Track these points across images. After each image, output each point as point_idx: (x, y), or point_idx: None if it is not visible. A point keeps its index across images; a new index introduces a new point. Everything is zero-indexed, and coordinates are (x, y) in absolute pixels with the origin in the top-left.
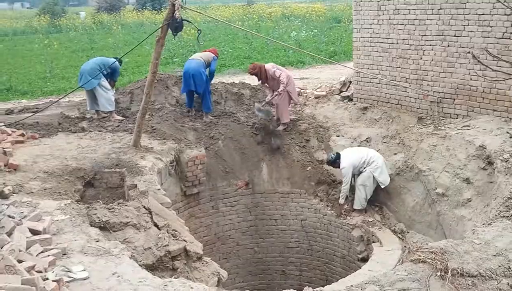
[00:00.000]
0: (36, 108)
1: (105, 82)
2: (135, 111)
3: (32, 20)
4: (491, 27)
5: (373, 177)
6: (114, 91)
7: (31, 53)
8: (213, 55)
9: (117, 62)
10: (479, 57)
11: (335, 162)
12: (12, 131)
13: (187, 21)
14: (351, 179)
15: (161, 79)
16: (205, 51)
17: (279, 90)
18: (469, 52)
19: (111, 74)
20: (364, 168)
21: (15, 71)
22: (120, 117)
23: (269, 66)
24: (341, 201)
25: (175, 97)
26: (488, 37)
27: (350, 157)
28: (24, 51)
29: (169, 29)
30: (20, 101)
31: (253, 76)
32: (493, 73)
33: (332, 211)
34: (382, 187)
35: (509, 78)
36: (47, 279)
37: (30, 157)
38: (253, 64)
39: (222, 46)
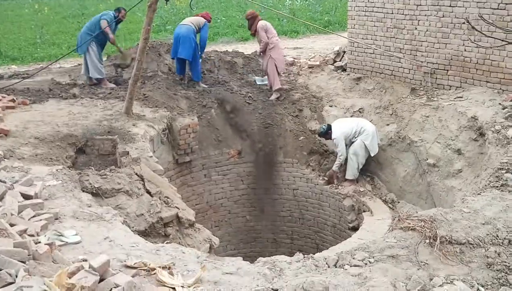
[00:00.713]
0: (27, 74)
1: (94, 48)
2: (127, 78)
3: None
4: None
5: (365, 146)
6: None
7: (21, 19)
8: (205, 20)
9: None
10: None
11: (326, 133)
12: (3, 97)
13: None
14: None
15: (153, 46)
16: (197, 16)
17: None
18: (464, 23)
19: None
20: (355, 138)
21: (4, 37)
22: (112, 85)
23: (261, 24)
24: (335, 168)
25: (168, 65)
26: (484, 7)
27: (341, 127)
28: (14, 16)
29: None
30: (9, 66)
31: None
32: (487, 43)
33: (323, 180)
34: (372, 155)
35: (503, 45)
36: (39, 242)
37: (21, 122)
38: (252, 11)
39: (215, 14)
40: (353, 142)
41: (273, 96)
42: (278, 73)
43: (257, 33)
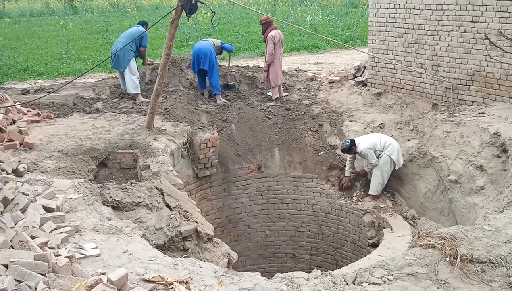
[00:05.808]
0: (52, 88)
1: (134, 64)
2: (149, 93)
3: (49, 1)
4: (509, 12)
5: (390, 161)
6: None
7: (48, 34)
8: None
9: (143, 29)
10: (496, 42)
11: (350, 148)
12: (28, 111)
13: (202, 3)
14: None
15: (175, 62)
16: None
17: (265, 65)
18: (486, 38)
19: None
20: (381, 152)
21: (31, 52)
22: (145, 100)
23: (273, 33)
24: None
25: (189, 80)
26: (506, 22)
27: (366, 139)
28: (41, 32)
29: (183, 11)
30: (36, 81)
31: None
32: (510, 59)
33: (345, 199)
34: (397, 168)
35: None
36: (59, 255)
37: (45, 136)
38: (267, 17)
39: (237, 29)
40: (378, 157)
41: (272, 103)
42: (274, 85)
43: (267, 41)
